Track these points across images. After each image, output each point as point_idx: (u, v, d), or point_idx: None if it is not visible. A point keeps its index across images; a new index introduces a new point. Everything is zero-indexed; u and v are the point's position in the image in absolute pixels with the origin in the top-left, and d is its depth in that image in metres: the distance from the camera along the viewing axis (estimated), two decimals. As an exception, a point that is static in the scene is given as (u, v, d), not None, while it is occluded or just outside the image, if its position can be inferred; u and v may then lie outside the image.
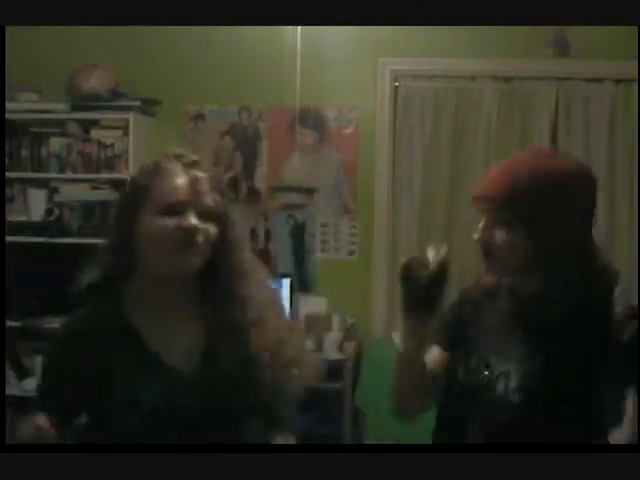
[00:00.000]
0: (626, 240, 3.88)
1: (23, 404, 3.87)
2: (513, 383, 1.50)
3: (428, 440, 1.68)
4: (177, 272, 1.52)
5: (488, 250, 1.54)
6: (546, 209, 1.47)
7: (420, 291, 1.56)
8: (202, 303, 1.57)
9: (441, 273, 1.54)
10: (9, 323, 3.62)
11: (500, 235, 1.51)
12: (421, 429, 1.78)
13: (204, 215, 1.51)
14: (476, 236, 1.55)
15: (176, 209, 1.50)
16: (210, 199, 1.53)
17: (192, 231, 1.49)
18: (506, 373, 1.51)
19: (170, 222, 1.49)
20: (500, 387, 1.51)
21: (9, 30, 2.41)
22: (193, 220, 1.49)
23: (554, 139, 3.93)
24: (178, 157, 1.55)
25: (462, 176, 3.95)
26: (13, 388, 3.83)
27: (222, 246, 1.55)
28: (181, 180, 1.52)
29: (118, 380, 1.49)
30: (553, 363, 1.48)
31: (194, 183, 1.52)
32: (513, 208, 1.48)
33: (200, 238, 1.50)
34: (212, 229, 1.52)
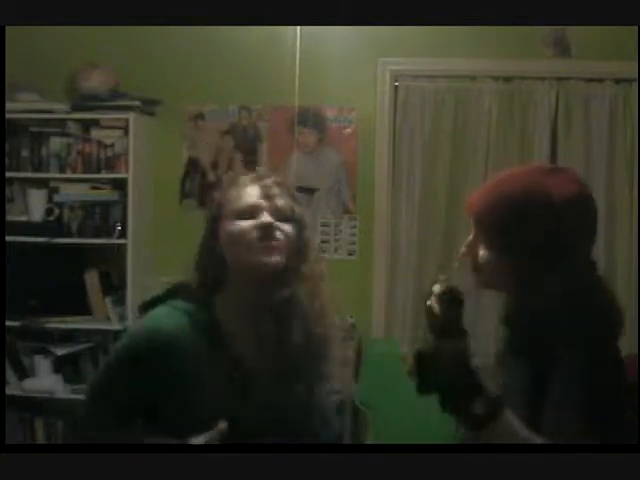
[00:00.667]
0: (626, 240, 3.88)
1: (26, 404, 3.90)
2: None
3: (428, 440, 1.68)
4: (259, 269, 1.56)
5: (474, 265, 1.55)
6: (527, 232, 1.46)
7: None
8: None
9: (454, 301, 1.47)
10: (9, 323, 3.62)
11: (482, 253, 1.52)
12: (421, 429, 1.79)
13: (279, 217, 1.59)
14: (462, 250, 1.56)
15: (252, 211, 1.58)
16: (282, 202, 1.60)
17: (268, 227, 1.56)
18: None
19: (247, 223, 1.57)
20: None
21: (9, 30, 2.40)
22: (268, 218, 1.56)
23: (554, 139, 3.93)
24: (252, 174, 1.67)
25: (462, 176, 3.95)
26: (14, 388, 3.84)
27: (298, 247, 1.61)
28: (253, 186, 1.62)
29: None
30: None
31: (265, 188, 1.61)
32: (494, 228, 1.48)
33: (278, 233, 1.57)
34: (289, 229, 1.59)
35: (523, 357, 1.47)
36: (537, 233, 1.46)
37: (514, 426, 1.36)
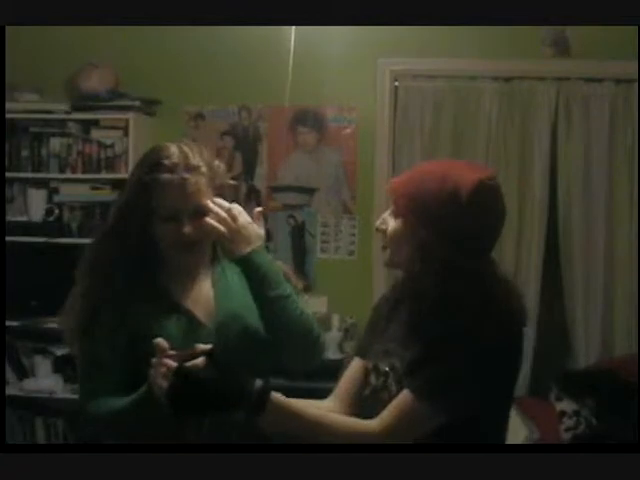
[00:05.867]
0: (626, 239, 3.88)
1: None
2: (398, 379, 1.53)
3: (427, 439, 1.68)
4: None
5: (385, 240, 1.61)
6: (436, 210, 1.51)
7: None
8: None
9: None
10: (9, 323, 3.62)
11: (392, 225, 1.58)
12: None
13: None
14: (377, 224, 1.63)
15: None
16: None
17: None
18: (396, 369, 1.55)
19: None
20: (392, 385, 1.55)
21: (9, 30, 2.40)
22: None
23: (554, 139, 3.93)
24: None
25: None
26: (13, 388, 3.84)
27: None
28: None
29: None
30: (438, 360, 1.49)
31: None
32: (408, 202, 1.54)
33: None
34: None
35: (417, 329, 1.54)
36: (445, 213, 1.51)
37: (292, 407, 1.46)
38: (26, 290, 3.77)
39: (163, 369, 1.48)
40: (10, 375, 3.89)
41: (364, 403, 1.62)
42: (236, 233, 1.68)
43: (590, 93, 3.90)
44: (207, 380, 1.40)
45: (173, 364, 1.44)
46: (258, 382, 1.43)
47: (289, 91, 3.96)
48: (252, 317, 1.73)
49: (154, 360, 1.51)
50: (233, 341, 1.71)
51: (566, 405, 3.43)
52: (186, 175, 1.66)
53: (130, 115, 3.83)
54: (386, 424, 1.46)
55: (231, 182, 1.80)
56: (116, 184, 3.87)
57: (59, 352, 3.85)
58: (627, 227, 3.88)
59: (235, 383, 1.42)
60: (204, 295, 1.77)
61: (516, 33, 3.68)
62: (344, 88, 4.03)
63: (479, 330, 1.46)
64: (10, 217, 3.83)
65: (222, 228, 1.67)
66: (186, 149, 1.71)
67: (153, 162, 1.69)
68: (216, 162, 1.75)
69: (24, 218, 3.90)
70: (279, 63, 3.97)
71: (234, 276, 1.78)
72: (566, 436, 3.34)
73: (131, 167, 3.78)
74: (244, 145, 4.10)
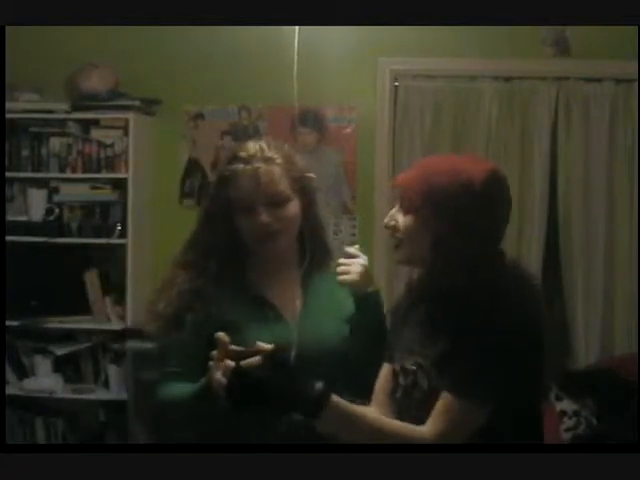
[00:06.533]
0: (626, 239, 3.88)
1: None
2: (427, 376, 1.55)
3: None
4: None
5: (395, 237, 1.62)
6: (451, 203, 1.52)
7: None
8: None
9: None
10: (9, 323, 3.62)
11: (404, 221, 1.59)
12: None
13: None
14: (385, 221, 1.64)
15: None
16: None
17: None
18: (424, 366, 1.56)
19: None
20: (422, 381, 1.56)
21: (9, 30, 2.40)
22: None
23: (554, 139, 3.93)
24: None
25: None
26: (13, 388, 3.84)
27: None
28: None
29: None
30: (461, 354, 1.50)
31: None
32: (420, 197, 1.55)
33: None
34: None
35: (440, 325, 1.56)
36: (461, 205, 1.52)
37: (350, 411, 1.46)
38: (26, 290, 3.77)
39: (222, 365, 1.48)
40: (10, 375, 3.89)
41: (399, 406, 1.62)
42: (364, 276, 1.80)
43: (590, 93, 3.90)
44: (266, 380, 1.39)
45: (231, 363, 1.44)
46: (318, 385, 1.42)
47: (289, 91, 3.96)
48: (337, 339, 1.77)
49: (214, 353, 1.51)
50: (312, 352, 1.72)
51: (566, 405, 3.43)
52: (260, 165, 1.73)
53: (130, 115, 3.83)
54: (438, 431, 1.47)
55: (309, 175, 1.85)
56: (116, 184, 3.87)
57: (59, 352, 3.85)
58: (627, 227, 3.88)
59: (294, 384, 1.42)
60: (289, 292, 1.81)
61: (516, 33, 3.68)
62: (344, 88, 4.03)
63: (504, 318, 1.48)
64: (10, 217, 3.83)
65: (356, 277, 1.77)
66: (263, 144, 1.78)
67: (232, 156, 1.78)
68: (296, 156, 1.82)
69: (24, 218, 3.90)
70: (279, 63, 3.97)
71: (327, 285, 1.83)
72: (566, 436, 3.34)
73: (131, 167, 3.84)
74: (244, 145, 4.09)
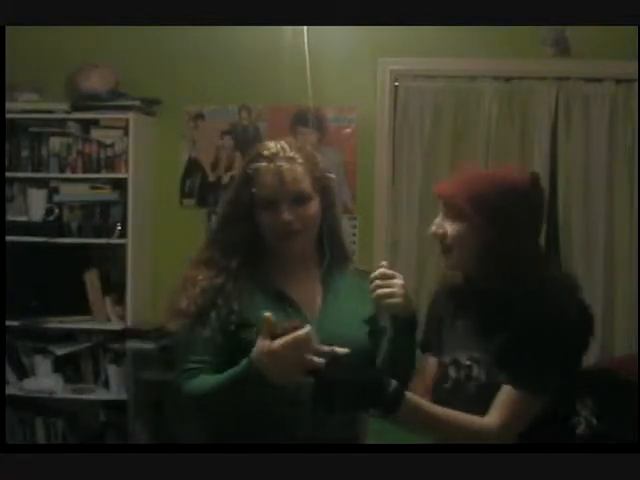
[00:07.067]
0: (626, 239, 3.88)
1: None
2: (478, 372, 1.65)
3: (428, 440, 1.69)
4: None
5: (444, 247, 1.69)
6: (497, 208, 1.61)
7: None
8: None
9: None
10: (9, 323, 3.62)
11: (454, 228, 1.66)
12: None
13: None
14: (432, 229, 1.70)
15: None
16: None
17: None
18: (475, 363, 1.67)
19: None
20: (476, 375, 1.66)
21: (9, 30, 2.40)
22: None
23: (554, 139, 3.93)
24: None
25: (462, 176, 3.95)
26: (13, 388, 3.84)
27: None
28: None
29: None
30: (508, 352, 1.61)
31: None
32: (469, 204, 1.62)
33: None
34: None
35: (493, 323, 1.65)
36: (511, 211, 1.62)
37: (423, 406, 1.55)
38: (26, 290, 3.78)
39: (266, 344, 1.51)
40: (10, 375, 3.89)
41: (445, 396, 1.69)
42: (406, 299, 1.77)
43: (590, 93, 3.90)
44: (348, 380, 1.48)
45: (321, 361, 1.48)
46: (393, 382, 1.50)
47: (289, 91, 3.96)
48: (356, 339, 1.76)
49: (260, 336, 1.54)
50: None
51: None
52: (282, 163, 1.74)
53: (130, 115, 3.84)
54: (504, 422, 1.56)
55: (330, 175, 1.88)
56: (116, 184, 3.87)
57: (59, 352, 3.85)
58: (627, 227, 3.88)
59: (374, 382, 1.50)
60: (309, 289, 1.82)
61: (516, 33, 3.68)
62: (344, 88, 4.03)
63: (556, 313, 1.57)
64: (10, 217, 3.83)
65: (402, 300, 1.72)
66: (284, 144, 1.80)
67: (254, 154, 1.80)
68: (318, 157, 1.84)
69: (24, 218, 3.90)
70: (279, 63, 3.97)
71: (347, 285, 1.84)
72: (566, 436, 3.34)
73: (131, 167, 3.85)
74: (244, 145, 4.09)
